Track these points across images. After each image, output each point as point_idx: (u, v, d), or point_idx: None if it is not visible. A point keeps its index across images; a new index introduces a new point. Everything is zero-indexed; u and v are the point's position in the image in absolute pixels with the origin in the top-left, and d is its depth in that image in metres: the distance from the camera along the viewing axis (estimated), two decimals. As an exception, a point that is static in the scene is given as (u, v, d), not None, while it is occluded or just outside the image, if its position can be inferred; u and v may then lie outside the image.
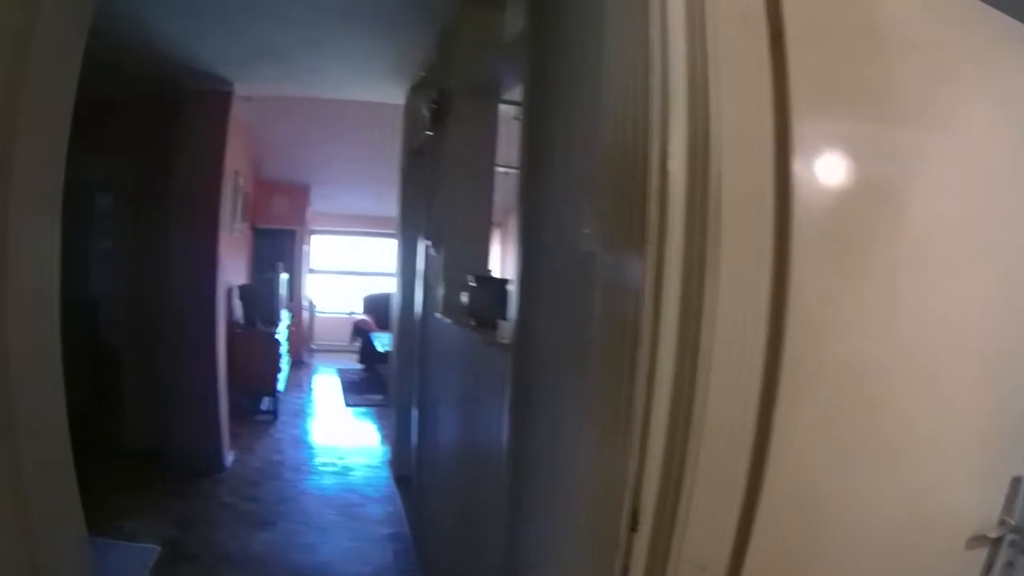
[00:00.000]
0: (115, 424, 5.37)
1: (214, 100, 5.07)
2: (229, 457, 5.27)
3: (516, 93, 3.30)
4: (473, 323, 2.76)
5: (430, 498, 3.77)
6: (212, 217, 5.06)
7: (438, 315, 3.33)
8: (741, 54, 1.11)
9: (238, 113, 5.87)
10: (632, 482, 1.18)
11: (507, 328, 2.62)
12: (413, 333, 4.30)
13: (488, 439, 2.42)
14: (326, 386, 8.73)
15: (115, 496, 4.37)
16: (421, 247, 4.03)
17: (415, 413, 4.14)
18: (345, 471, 5.36)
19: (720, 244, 1.08)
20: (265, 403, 6.93)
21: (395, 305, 5.27)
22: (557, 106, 1.86)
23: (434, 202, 3.80)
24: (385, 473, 5.37)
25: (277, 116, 7.22)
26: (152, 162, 5.13)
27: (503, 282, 2.76)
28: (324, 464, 5.49)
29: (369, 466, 5.54)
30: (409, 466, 4.71)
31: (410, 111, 5.01)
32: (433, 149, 3.84)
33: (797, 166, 1.11)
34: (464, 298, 2.78)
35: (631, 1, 1.22)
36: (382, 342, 8.35)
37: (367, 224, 11.11)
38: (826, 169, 1.17)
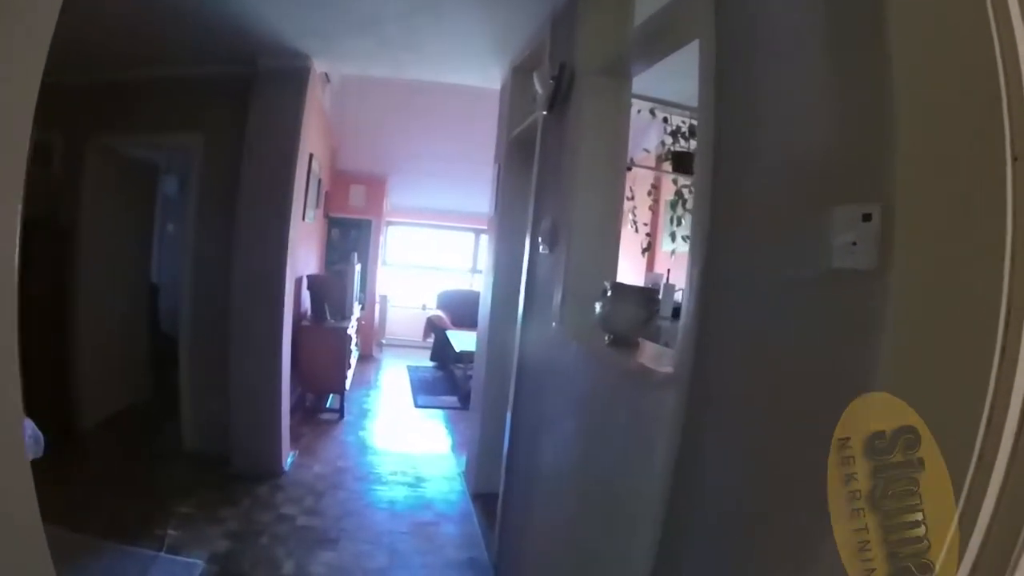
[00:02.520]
0: (170, 421, 5.05)
1: (291, 75, 4.62)
2: (289, 460, 4.86)
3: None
4: (608, 339, 2.22)
5: (523, 525, 3.26)
6: (283, 201, 4.62)
7: (555, 325, 2.79)
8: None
9: (316, 97, 5.50)
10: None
11: (655, 351, 2.14)
12: (508, 337, 3.82)
13: (628, 480, 1.94)
14: (395, 384, 8.28)
15: (165, 501, 4.01)
16: (527, 246, 3.51)
17: (507, 427, 3.64)
18: (416, 482, 4.86)
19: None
20: (331, 401, 6.54)
21: (485, 305, 4.75)
22: (766, 92, 1.48)
23: (547, 195, 3.27)
24: (459, 487, 4.87)
25: (357, 103, 6.87)
26: (222, 142, 4.77)
27: (651, 293, 2.23)
28: (393, 473, 5.00)
29: (443, 477, 5.04)
30: (490, 483, 4.24)
31: (508, 95, 4.49)
32: (549, 133, 3.31)
33: None
34: (597, 308, 2.23)
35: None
36: (459, 341, 7.90)
37: (446, 218, 10.71)
38: None
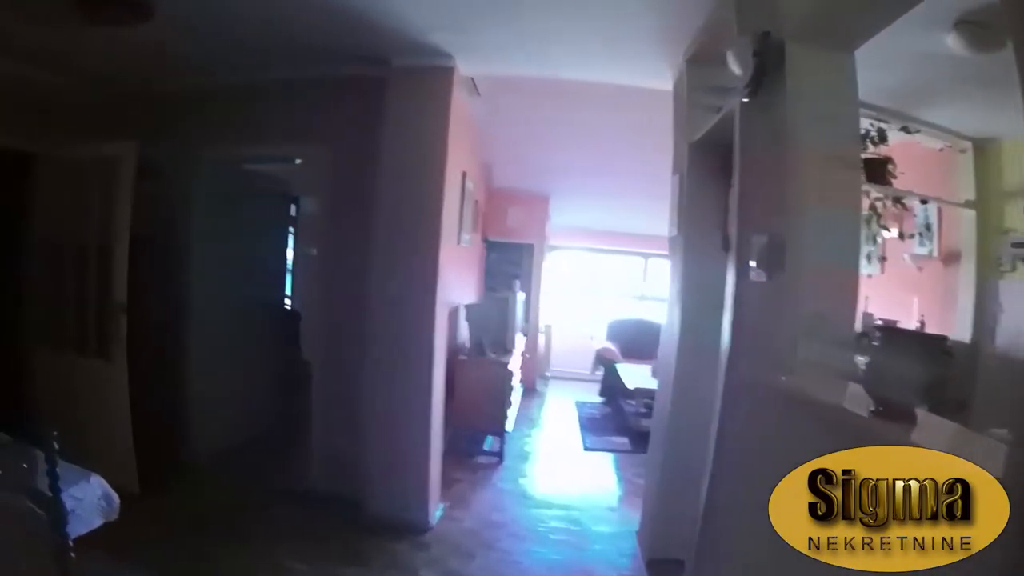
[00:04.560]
0: (298, 458, 4.64)
1: (431, 78, 4.13)
2: (436, 513, 4.30)
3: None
4: (873, 408, 1.47)
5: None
6: (431, 221, 4.13)
7: (784, 378, 2.01)
8: None
9: (466, 108, 5.04)
10: None
11: (941, 429, 1.42)
12: (700, 379, 3.15)
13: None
14: (560, 422, 7.61)
15: (280, 552, 3.56)
16: (730, 270, 2.73)
17: (704, 488, 2.86)
18: (581, 542, 4.15)
19: None
20: (489, 443, 5.98)
21: (669, 339, 3.95)
22: None
23: (757, 204, 2.54)
24: (630, 547, 4.12)
25: (511, 115, 6.35)
26: (355, 154, 4.37)
27: (938, 342, 1.47)
28: (556, 531, 4.32)
29: (612, 535, 4.30)
30: (670, 547, 3.55)
31: (684, 92, 3.76)
32: (753, 126, 2.57)
33: None
34: (858, 361, 1.50)
35: None
36: (630, 375, 7.18)
37: (612, 241, 10.07)
38: None
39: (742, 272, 2.55)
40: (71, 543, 1.97)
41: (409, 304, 4.15)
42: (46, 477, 1.92)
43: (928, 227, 4.53)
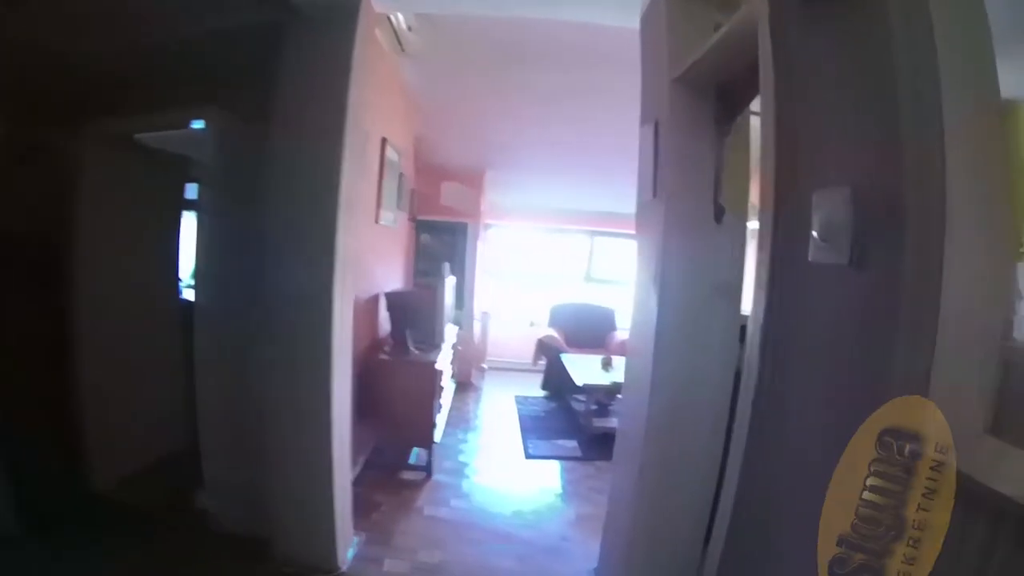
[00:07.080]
0: (191, 488, 3.74)
1: (330, 18, 3.21)
2: (349, 550, 3.44)
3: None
4: None
5: None
6: (328, 194, 3.21)
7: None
8: None
9: (388, 65, 4.19)
10: None
11: None
12: (697, 384, 2.75)
13: None
14: (500, 421, 6.69)
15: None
16: (766, 246, 1.79)
17: (724, 529, 2.00)
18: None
19: None
20: (415, 455, 5.09)
21: (643, 329, 3.00)
22: None
23: (812, 145, 1.64)
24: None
25: (446, 80, 5.58)
26: (252, 119, 3.39)
27: None
28: (503, 571, 3.50)
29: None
30: None
31: (663, 20, 2.81)
32: (811, 37, 1.68)
33: None
34: None
35: None
36: (578, 368, 6.41)
37: (554, 219, 9.31)
38: None
39: (790, 249, 1.67)
40: None
41: (307, 297, 3.25)
42: None
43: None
